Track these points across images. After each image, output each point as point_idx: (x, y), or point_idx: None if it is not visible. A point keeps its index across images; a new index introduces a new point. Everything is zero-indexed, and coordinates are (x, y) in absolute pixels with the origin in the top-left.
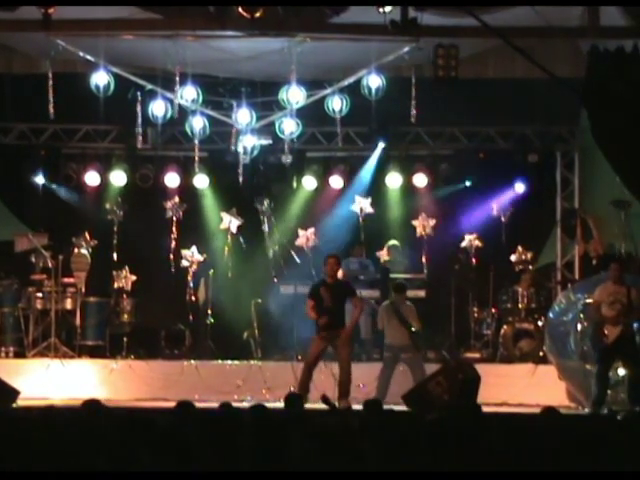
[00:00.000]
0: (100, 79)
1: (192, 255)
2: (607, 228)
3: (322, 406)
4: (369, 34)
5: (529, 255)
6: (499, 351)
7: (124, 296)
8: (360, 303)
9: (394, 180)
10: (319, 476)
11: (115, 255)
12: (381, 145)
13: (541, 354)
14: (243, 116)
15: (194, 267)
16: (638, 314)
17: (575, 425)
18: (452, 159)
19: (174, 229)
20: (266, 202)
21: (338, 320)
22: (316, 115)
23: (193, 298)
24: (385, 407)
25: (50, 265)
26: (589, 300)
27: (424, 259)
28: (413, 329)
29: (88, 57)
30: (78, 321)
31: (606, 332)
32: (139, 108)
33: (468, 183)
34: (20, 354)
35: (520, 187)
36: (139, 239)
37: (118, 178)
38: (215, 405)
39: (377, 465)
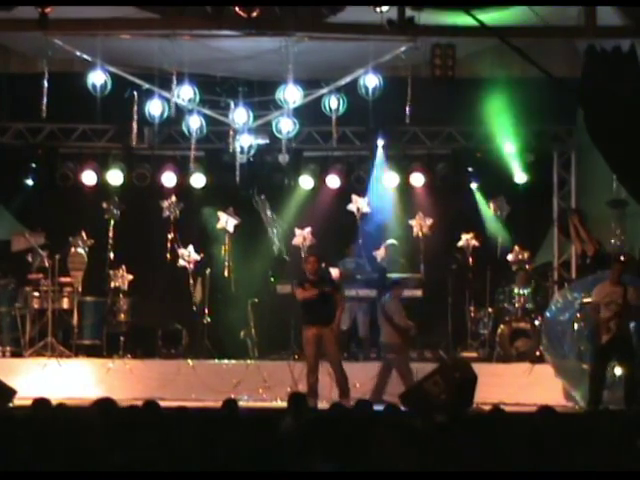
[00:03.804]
0: (97, 78)
1: (189, 254)
2: (595, 228)
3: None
4: (366, 33)
5: (526, 254)
6: (496, 350)
7: (121, 295)
8: (341, 300)
9: (391, 179)
10: (320, 476)
11: (112, 254)
12: (380, 145)
13: (538, 353)
14: (240, 115)
15: (191, 266)
16: (634, 314)
17: (571, 424)
18: (449, 159)
19: (171, 228)
20: (262, 197)
21: (323, 317)
22: (313, 114)
23: (190, 297)
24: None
25: (47, 264)
26: (586, 300)
27: (421, 258)
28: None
29: (85, 56)
30: (75, 320)
31: (602, 332)
32: (136, 107)
33: (474, 185)
34: (17, 353)
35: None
36: (136, 238)
37: (115, 177)
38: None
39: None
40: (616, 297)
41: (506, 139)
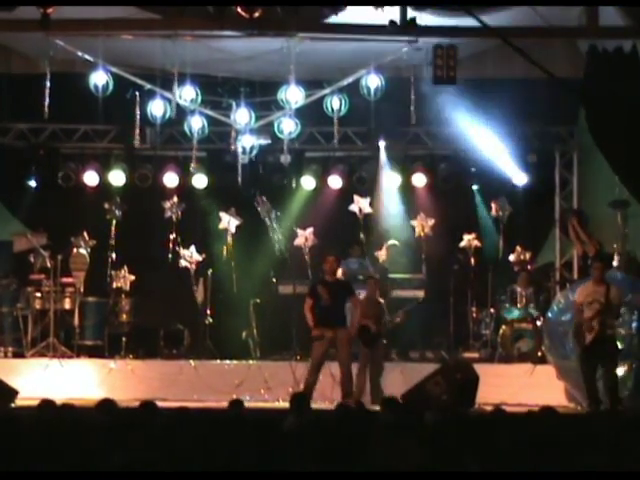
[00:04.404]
0: (99, 79)
1: (191, 255)
2: (597, 228)
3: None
4: (368, 34)
5: (528, 255)
6: (498, 351)
7: (123, 296)
8: (359, 303)
9: (393, 180)
10: (319, 476)
11: (114, 255)
12: (382, 145)
13: (539, 354)
14: (242, 116)
15: (193, 267)
16: (616, 313)
17: (572, 424)
18: (451, 159)
19: (173, 229)
20: (263, 198)
21: (337, 318)
22: (315, 115)
23: (192, 298)
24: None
25: (49, 265)
26: None
27: (423, 259)
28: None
29: (87, 57)
30: (77, 321)
31: (585, 332)
32: (138, 108)
33: (475, 187)
34: (19, 354)
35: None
36: (138, 239)
37: (117, 178)
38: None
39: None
40: (598, 296)
41: (508, 139)
